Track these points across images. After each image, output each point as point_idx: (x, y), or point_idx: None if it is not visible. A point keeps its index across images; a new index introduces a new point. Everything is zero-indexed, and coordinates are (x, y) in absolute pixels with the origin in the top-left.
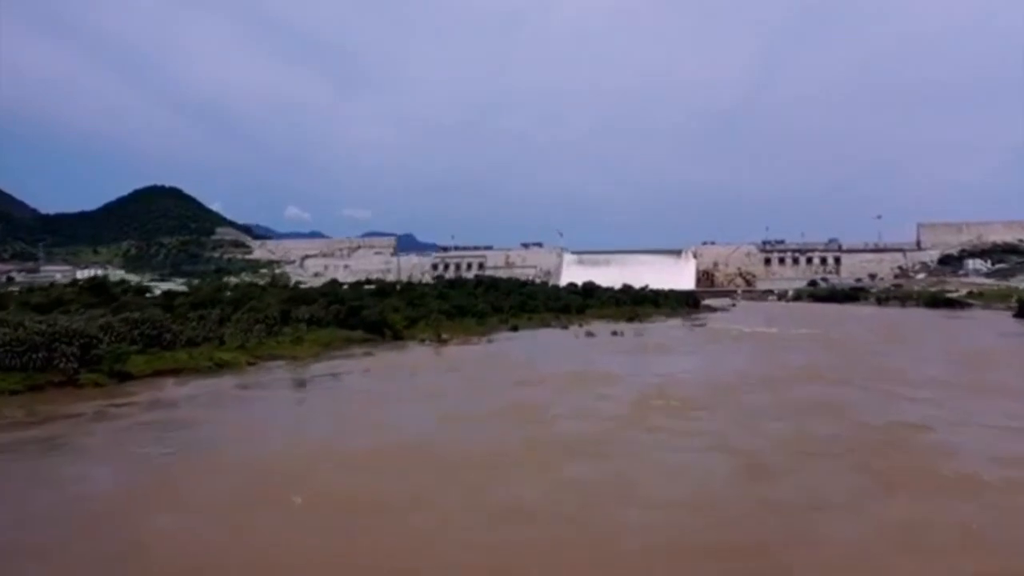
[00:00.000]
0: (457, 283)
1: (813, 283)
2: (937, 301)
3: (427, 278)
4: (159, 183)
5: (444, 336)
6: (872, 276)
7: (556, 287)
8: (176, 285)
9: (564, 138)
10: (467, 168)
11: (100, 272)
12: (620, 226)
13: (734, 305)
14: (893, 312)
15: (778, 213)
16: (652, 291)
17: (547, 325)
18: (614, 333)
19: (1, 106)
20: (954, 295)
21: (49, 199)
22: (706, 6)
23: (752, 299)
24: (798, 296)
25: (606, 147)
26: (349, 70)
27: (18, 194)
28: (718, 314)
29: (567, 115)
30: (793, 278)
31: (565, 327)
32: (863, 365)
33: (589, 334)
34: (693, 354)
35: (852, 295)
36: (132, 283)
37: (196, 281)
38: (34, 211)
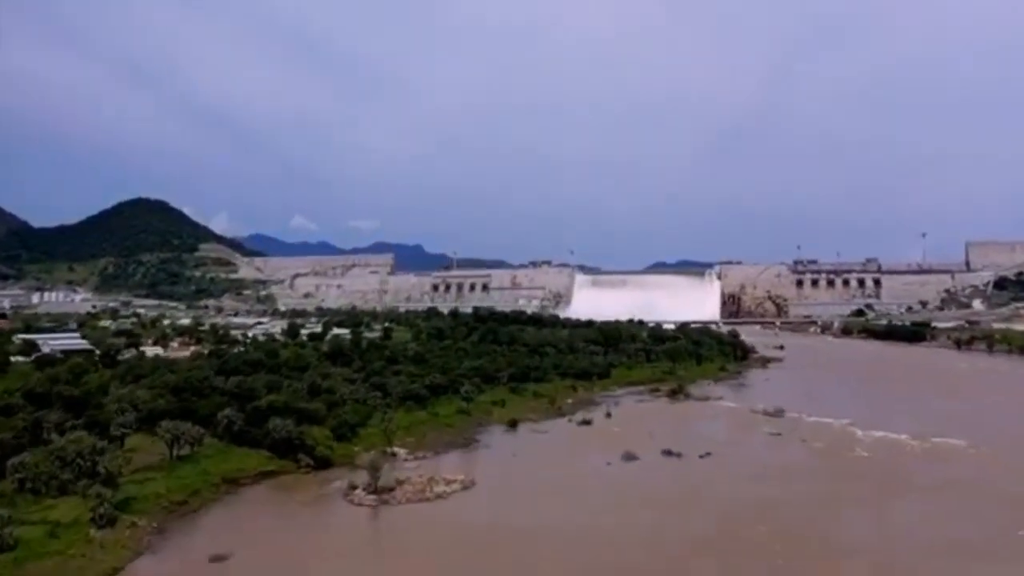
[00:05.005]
0: (446, 331)
1: (860, 312)
2: None
3: (426, 300)
4: (151, 195)
5: (397, 468)
6: (923, 304)
7: (570, 332)
8: (78, 340)
9: (574, 148)
10: (475, 178)
11: (65, 296)
12: (630, 236)
13: (782, 348)
14: (995, 365)
15: (787, 224)
16: (688, 338)
17: (559, 411)
18: (668, 453)
19: None
20: None
21: (45, 208)
22: (718, 17)
23: (791, 330)
24: (847, 329)
25: (616, 157)
26: (356, 78)
27: (8, 206)
28: (772, 370)
29: (577, 125)
30: (829, 303)
31: (587, 421)
32: None
33: (629, 456)
34: None
35: (916, 333)
36: (40, 328)
37: (173, 304)
38: (24, 223)
